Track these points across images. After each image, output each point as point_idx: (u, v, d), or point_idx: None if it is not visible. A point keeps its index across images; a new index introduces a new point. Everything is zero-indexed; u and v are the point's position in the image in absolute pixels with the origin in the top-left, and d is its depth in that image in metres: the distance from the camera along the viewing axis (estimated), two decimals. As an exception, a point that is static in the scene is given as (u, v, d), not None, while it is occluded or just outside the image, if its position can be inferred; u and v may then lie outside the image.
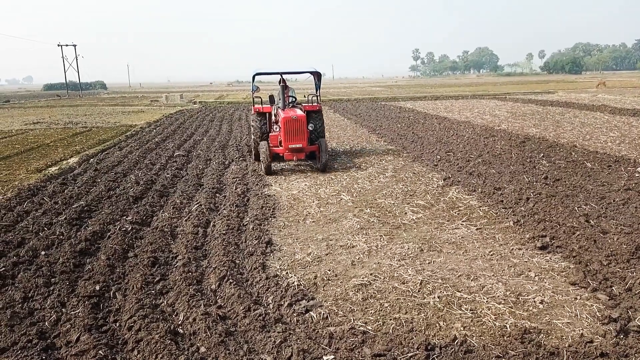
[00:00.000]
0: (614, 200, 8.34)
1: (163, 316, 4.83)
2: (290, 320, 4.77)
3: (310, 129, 12.07)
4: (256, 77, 12.83)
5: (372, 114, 27.68)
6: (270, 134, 12.50)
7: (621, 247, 6.16)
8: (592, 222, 7.27)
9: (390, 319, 4.70)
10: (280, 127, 11.73)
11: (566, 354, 3.99)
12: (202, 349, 4.20)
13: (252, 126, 12.87)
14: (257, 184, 10.62)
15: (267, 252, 6.59)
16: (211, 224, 7.85)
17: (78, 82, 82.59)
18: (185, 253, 6.42)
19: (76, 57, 78.65)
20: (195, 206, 8.70)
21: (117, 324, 4.75)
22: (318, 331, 4.50)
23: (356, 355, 4.02)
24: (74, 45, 77.27)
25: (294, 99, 13.23)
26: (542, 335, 4.31)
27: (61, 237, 7.09)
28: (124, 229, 7.35)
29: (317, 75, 13.64)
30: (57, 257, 6.29)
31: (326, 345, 4.24)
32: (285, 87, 12.83)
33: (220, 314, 4.79)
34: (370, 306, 5.03)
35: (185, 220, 7.95)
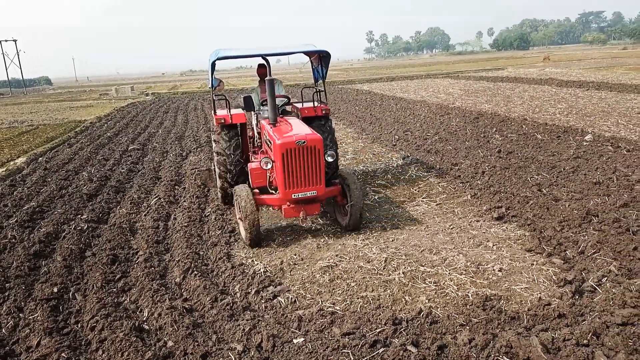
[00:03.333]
0: (564, 169, 8.71)
1: (127, 314, 4.72)
2: (259, 307, 4.76)
3: (330, 160, 6.68)
4: (216, 64, 7.39)
5: (329, 98, 27.61)
6: (250, 166, 7.00)
7: (572, 213, 6.45)
8: (544, 190, 7.57)
9: (358, 298, 4.76)
10: (273, 161, 6.28)
11: (526, 317, 4.16)
12: (170, 343, 4.13)
13: (216, 151, 7.45)
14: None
15: (231, 241, 6.53)
16: (172, 216, 7.69)
17: (21, 78, 78.43)
18: (147, 248, 6.27)
19: (17, 52, 74.52)
20: (154, 200, 8.49)
21: (79, 325, 4.61)
22: (287, 315, 4.51)
23: (326, 336, 4.06)
24: (15, 41, 73.16)
25: (287, 100, 8.07)
26: (502, 301, 4.48)
27: (13, 240, 6.77)
28: (80, 228, 7.09)
29: (322, 58, 8.13)
30: (11, 261, 6.01)
31: (296, 329, 4.26)
32: (272, 82, 6.83)
33: (187, 306, 4.72)
34: (338, 287, 5.07)
35: (145, 215, 7.74)
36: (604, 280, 4.67)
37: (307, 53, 8.02)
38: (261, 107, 7.87)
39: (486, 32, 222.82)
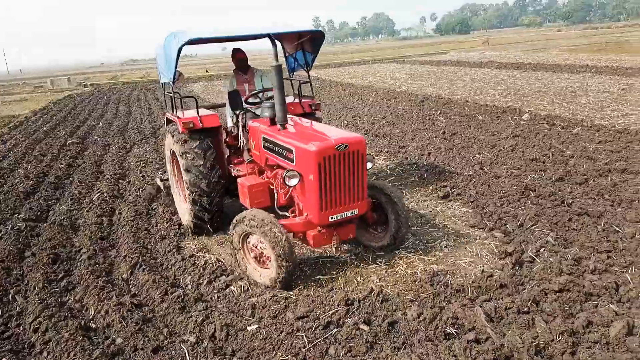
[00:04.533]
0: (503, 147, 9.09)
1: (72, 313, 4.53)
2: (211, 298, 4.70)
3: (370, 166, 4.97)
4: (182, 50, 5.40)
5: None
6: (243, 182, 5.61)
7: (512, 189, 6.77)
8: (485, 169, 7.89)
9: (312, 282, 4.80)
10: (300, 175, 4.65)
11: (470, 289, 4.34)
12: (119, 340, 4.02)
13: (186, 168, 5.68)
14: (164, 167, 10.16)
15: (180, 233, 6.38)
16: (116, 211, 7.42)
17: (-57, 72, 72.65)
18: (90, 245, 6.03)
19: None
20: (97, 195, 8.16)
21: (21, 328, 4.39)
22: (240, 304, 4.48)
23: (280, 321, 4.07)
24: None
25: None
26: (448, 275, 4.65)
27: (-59, 245, 6.31)
28: (17, 227, 6.71)
29: (312, 41, 6.40)
30: (-61, 267, 5.61)
31: (250, 316, 4.25)
32: (279, 69, 5.04)
33: (135, 302, 4.59)
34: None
35: (87, 211, 7.43)
36: (541, 250, 4.95)
37: (301, 34, 6.13)
38: (245, 105, 6.20)
39: (429, 17, 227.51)
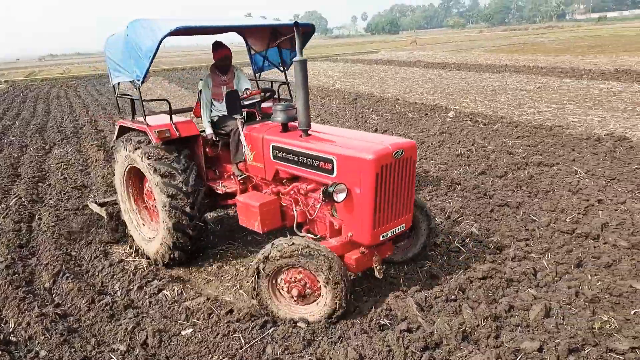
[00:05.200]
0: (432, 144, 9.48)
1: (-13, 328, 4.20)
2: (142, 304, 4.54)
3: None
4: (164, 40, 4.44)
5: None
6: (249, 200, 4.72)
7: (440, 183, 7.09)
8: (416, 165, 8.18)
9: (248, 282, 4.76)
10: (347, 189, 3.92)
11: (403, 280, 4.50)
12: (43, 353, 3.78)
13: (164, 189, 4.77)
14: (94, 164, 9.63)
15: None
16: (36, 217, 6.94)
17: None
18: (8, 254, 5.60)
19: None
20: (14, 200, 7.59)
21: None
22: (174, 308, 4.36)
23: (215, 324, 4.01)
24: None
25: (269, 95, 5.55)
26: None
27: None
28: None
29: (303, 36, 5.12)
30: None
31: (184, 321, 4.15)
32: (304, 64, 4.20)
33: (59, 312, 4.33)
34: (227, 273, 5.03)
35: (3, 218, 6.89)
36: (467, 240, 5.22)
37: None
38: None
39: (360, 17, 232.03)
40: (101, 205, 6.24)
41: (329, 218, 4.28)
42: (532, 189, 6.70)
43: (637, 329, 3.48)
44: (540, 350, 3.27)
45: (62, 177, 8.81)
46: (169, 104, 5.22)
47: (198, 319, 4.13)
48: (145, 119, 5.01)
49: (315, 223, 4.51)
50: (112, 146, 5.77)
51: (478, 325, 3.57)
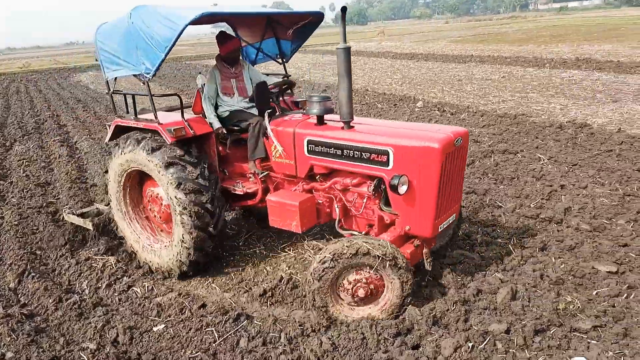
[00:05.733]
0: (401, 134, 9.57)
1: (-52, 333, 4.04)
2: (112, 301, 4.45)
3: None
4: (186, 28, 4.03)
5: (177, 74, 26.39)
6: (285, 199, 4.35)
7: (409, 172, 7.17)
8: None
9: (221, 275, 4.74)
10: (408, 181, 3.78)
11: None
12: (9, 355, 3.66)
13: (180, 184, 4.36)
14: (57, 160, 9.34)
15: (77, 237, 5.92)
16: (-3, 216, 6.69)
17: None
18: (-32, 255, 5.40)
19: None
20: (-27, 199, 7.30)
21: None
22: (144, 305, 4.30)
23: (188, 318, 3.98)
24: None
25: (284, 83, 5.15)
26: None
27: None
28: None
29: (308, 26, 5.45)
30: None
31: (155, 317, 4.10)
32: (348, 51, 3.96)
33: (26, 312, 4.21)
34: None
35: (-39, 218, 6.62)
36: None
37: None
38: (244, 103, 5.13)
39: (328, 7, 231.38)
40: (81, 216, 5.64)
41: (378, 213, 4.11)
42: (497, 176, 6.87)
43: (599, 308, 3.63)
44: (507, 332, 3.38)
45: (24, 175, 8.52)
46: (180, 99, 4.70)
47: (170, 315, 4.09)
48: (156, 117, 4.52)
49: (355, 219, 4.35)
50: (108, 147, 5.38)
51: (448, 309, 3.65)
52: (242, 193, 4.79)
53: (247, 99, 5.12)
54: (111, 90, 4.92)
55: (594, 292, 3.88)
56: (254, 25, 5.57)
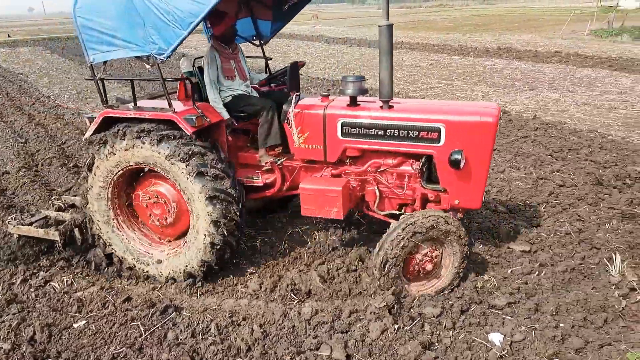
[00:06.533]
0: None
1: None
2: (28, 297, 4.16)
3: None
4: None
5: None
6: (324, 184, 4.17)
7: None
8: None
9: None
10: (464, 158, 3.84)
11: (306, 255, 4.59)
12: None
13: (201, 174, 3.92)
14: None
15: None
16: None
17: None
18: None
19: None
20: None
21: None
22: (64, 300, 4.06)
23: (112, 313, 3.81)
24: None
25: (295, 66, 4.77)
26: (286, 244, 4.84)
27: None
28: None
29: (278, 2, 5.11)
30: None
31: (76, 312, 3.89)
32: (391, 29, 3.85)
33: None
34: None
35: None
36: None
37: None
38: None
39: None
40: (33, 224, 4.76)
41: (421, 190, 4.10)
42: (425, 161, 7.11)
43: (513, 285, 3.90)
44: (439, 315, 3.54)
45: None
46: (192, 83, 4.30)
47: (92, 310, 3.89)
48: (170, 105, 3.96)
49: (386, 200, 4.31)
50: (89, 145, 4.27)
51: (375, 292, 3.76)
52: (261, 184, 4.52)
53: (247, 82, 4.81)
54: (98, 75, 4.12)
55: (509, 271, 4.15)
56: (227, 4, 4.76)
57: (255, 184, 4.54)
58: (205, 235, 4.00)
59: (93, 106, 12.00)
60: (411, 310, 3.58)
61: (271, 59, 5.43)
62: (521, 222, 5.08)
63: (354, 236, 4.95)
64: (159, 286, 4.19)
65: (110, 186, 4.26)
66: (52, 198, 4.98)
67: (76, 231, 4.65)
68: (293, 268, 4.39)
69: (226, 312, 3.74)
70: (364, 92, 4.08)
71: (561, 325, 3.35)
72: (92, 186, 4.29)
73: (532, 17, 39.63)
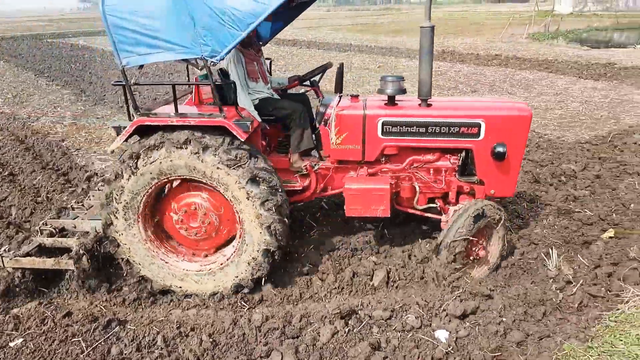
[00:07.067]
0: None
1: None
2: (-43, 317, 3.89)
3: None
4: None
5: (37, 54, 23.67)
6: (391, 187, 4.29)
7: (291, 161, 7.26)
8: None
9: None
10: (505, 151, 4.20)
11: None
12: None
13: (253, 179, 3.75)
14: None
15: None
16: None
17: None
18: None
19: None
20: None
21: None
22: (-1, 318, 3.83)
23: (51, 329, 3.63)
24: None
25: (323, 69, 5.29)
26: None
27: None
28: None
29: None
30: None
31: (13, 330, 3.66)
32: (433, 30, 4.09)
33: None
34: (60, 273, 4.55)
35: None
36: (318, 215, 5.47)
37: None
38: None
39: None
40: (31, 255, 4.20)
41: (457, 183, 4.33)
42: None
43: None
44: (389, 318, 3.61)
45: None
46: (235, 86, 3.95)
47: (29, 327, 3.68)
48: (222, 110, 3.68)
49: (422, 195, 4.44)
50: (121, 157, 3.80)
51: (325, 295, 3.79)
52: (300, 188, 4.46)
53: (269, 85, 4.70)
54: (132, 80, 3.74)
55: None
56: None
57: (294, 188, 4.46)
58: (258, 242, 3.81)
59: (29, 110, 11.40)
60: (356, 313, 3.63)
61: (272, 60, 5.31)
62: (465, 220, 5.24)
63: (306, 239, 4.95)
64: (101, 300, 4.02)
65: (144, 201, 3.84)
66: (41, 223, 4.63)
67: (84, 257, 4.09)
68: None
69: (173, 324, 3.64)
70: (403, 91, 4.19)
71: (503, 319, 3.49)
72: (119, 204, 3.82)
73: (474, 21, 41.20)
